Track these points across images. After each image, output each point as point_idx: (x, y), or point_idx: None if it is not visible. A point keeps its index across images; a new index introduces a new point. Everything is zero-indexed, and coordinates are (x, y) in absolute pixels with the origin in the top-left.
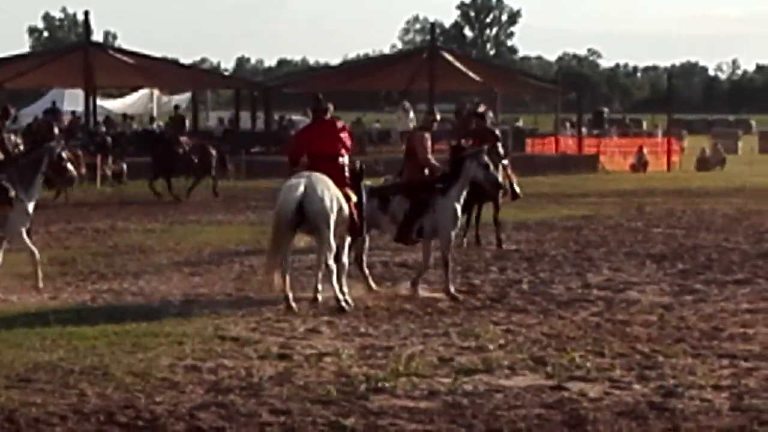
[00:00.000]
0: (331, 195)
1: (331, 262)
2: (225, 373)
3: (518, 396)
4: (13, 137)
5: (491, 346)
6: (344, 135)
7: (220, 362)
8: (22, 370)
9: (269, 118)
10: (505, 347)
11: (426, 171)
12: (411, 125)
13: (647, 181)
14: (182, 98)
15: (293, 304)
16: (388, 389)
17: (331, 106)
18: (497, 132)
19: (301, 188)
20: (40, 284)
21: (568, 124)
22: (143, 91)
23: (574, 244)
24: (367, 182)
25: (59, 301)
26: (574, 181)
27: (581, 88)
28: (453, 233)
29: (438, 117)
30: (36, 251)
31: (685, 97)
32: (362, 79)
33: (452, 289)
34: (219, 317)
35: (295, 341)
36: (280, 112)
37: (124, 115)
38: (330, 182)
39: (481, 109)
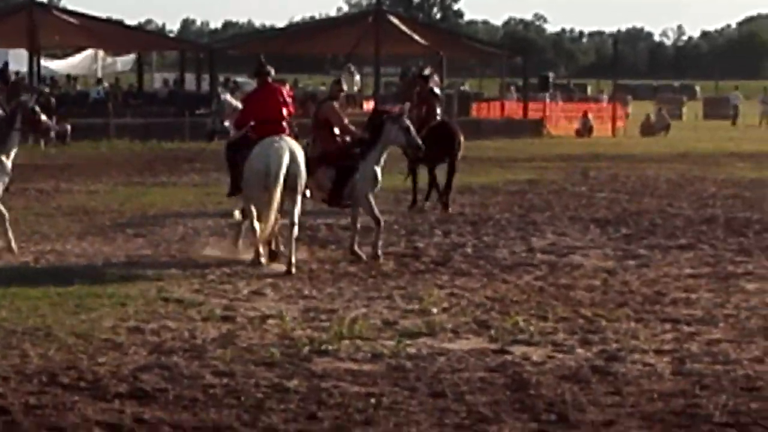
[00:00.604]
0: (302, 158)
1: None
2: (168, 335)
3: (461, 359)
4: None
5: (435, 310)
6: (288, 99)
7: (164, 324)
8: None
9: (214, 80)
10: (449, 311)
11: (340, 138)
12: (356, 88)
13: (592, 146)
14: (127, 59)
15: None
16: (332, 352)
17: (272, 70)
18: (439, 95)
19: (287, 151)
20: (14, 245)
21: (513, 89)
22: (88, 52)
23: (519, 208)
24: None
25: (2, 261)
26: (519, 145)
27: (527, 52)
28: (371, 195)
29: (345, 87)
30: (5, 212)
31: (630, 63)
32: (308, 41)
33: (380, 252)
34: (162, 279)
35: (239, 303)
36: (225, 74)
37: (68, 76)
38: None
39: (427, 71)
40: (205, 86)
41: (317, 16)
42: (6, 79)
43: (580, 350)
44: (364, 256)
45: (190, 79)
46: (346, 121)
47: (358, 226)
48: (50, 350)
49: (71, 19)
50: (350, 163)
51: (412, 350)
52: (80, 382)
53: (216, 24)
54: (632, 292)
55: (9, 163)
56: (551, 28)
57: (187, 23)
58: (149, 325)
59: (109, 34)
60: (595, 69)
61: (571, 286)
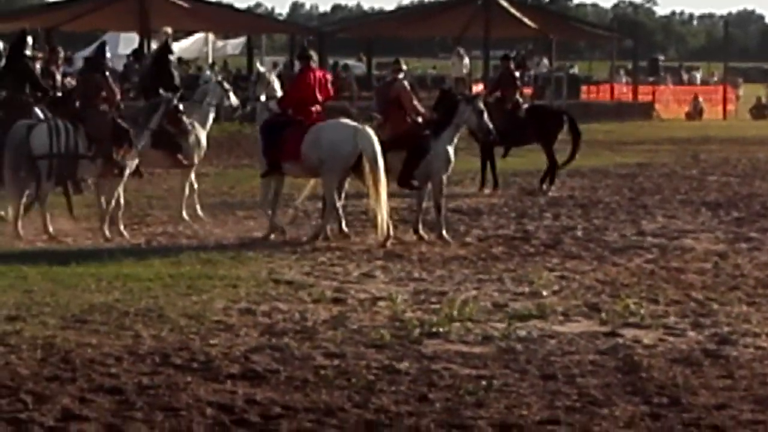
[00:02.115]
0: None
1: None
2: (279, 317)
3: (572, 342)
4: (68, 79)
5: (545, 293)
6: (326, 83)
7: (275, 305)
8: (77, 311)
9: (323, 63)
10: (559, 293)
11: (410, 119)
12: (465, 71)
13: (702, 129)
14: (237, 43)
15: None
16: (442, 334)
17: (314, 54)
18: (518, 79)
19: (358, 133)
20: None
21: (622, 72)
22: (198, 36)
23: (629, 191)
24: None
25: (114, 243)
26: (629, 128)
27: (636, 35)
28: (444, 177)
29: (403, 67)
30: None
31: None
32: (417, 24)
33: (444, 233)
34: (273, 261)
35: (349, 285)
36: (334, 57)
37: (179, 60)
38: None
39: (512, 54)
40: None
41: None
42: (99, 63)
43: (691, 333)
44: (427, 237)
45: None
46: (416, 101)
47: (423, 206)
48: (163, 331)
49: (182, 3)
50: (421, 144)
51: (522, 333)
52: (192, 363)
53: (325, 7)
54: (744, 275)
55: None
56: (661, 10)
57: (296, 6)
58: (260, 306)
59: (219, 17)
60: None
61: (682, 269)
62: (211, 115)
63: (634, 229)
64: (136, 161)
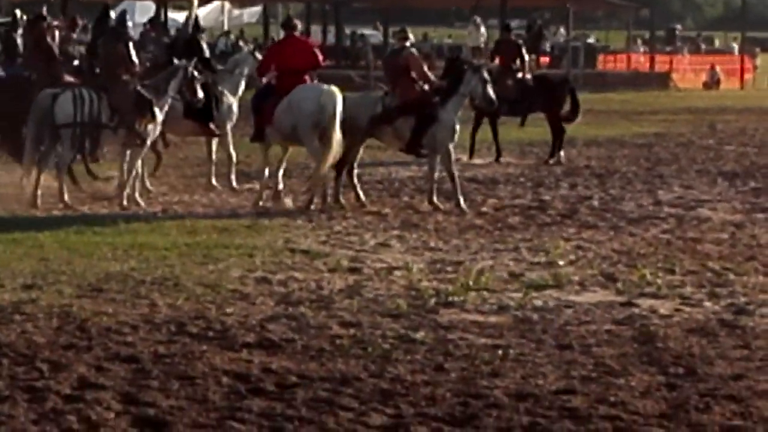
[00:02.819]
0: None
1: None
2: (295, 286)
3: (588, 312)
4: (82, 49)
5: (561, 262)
6: (315, 50)
7: (291, 275)
8: (93, 279)
9: (340, 32)
10: (576, 263)
11: (418, 87)
12: (482, 41)
13: (720, 98)
14: (253, 12)
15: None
16: (458, 303)
17: (299, 23)
18: (522, 48)
19: (339, 96)
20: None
21: (639, 41)
22: (214, 4)
23: (645, 161)
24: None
25: (130, 212)
26: (646, 98)
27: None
28: (451, 146)
29: (410, 36)
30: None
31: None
32: None
33: (462, 202)
34: (289, 230)
35: (365, 255)
36: (350, 27)
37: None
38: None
39: (513, 24)
40: (331, 38)
41: None
42: (122, 33)
43: (707, 303)
44: (442, 207)
45: (315, 31)
46: (425, 68)
47: (436, 175)
48: (179, 300)
49: None
50: (430, 111)
51: (538, 302)
52: (208, 332)
53: None
54: (760, 245)
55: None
56: None
57: None
58: (276, 275)
59: None
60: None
61: (699, 239)
62: (242, 85)
63: (650, 199)
64: (159, 130)
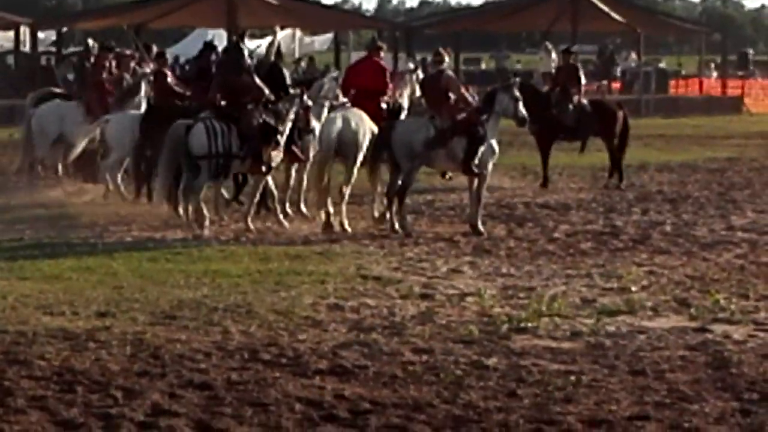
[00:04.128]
0: (365, 129)
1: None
2: (367, 312)
3: (661, 337)
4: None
5: (634, 288)
6: (387, 74)
7: (363, 301)
8: (167, 307)
9: (411, 59)
10: (648, 288)
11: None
12: (553, 66)
13: None
14: (324, 39)
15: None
16: (531, 329)
17: (384, 46)
18: (580, 72)
19: (339, 121)
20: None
21: (711, 66)
22: (286, 32)
23: (718, 186)
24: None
25: (203, 239)
26: (718, 122)
27: (725, 29)
28: (490, 166)
29: (446, 58)
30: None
31: None
32: (504, 19)
33: (480, 225)
34: (361, 257)
35: (438, 281)
36: (421, 53)
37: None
38: (364, 116)
39: (573, 48)
40: (402, 65)
41: None
42: (239, 63)
43: None
44: (485, 233)
45: (387, 58)
46: (464, 90)
47: (483, 199)
48: (251, 327)
49: (270, 0)
50: (480, 131)
51: (611, 328)
52: (281, 359)
53: (412, 3)
54: None
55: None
56: (750, 3)
57: (383, 2)
58: (348, 302)
59: (306, 13)
60: None
61: None
62: (325, 111)
63: (723, 224)
64: (280, 157)
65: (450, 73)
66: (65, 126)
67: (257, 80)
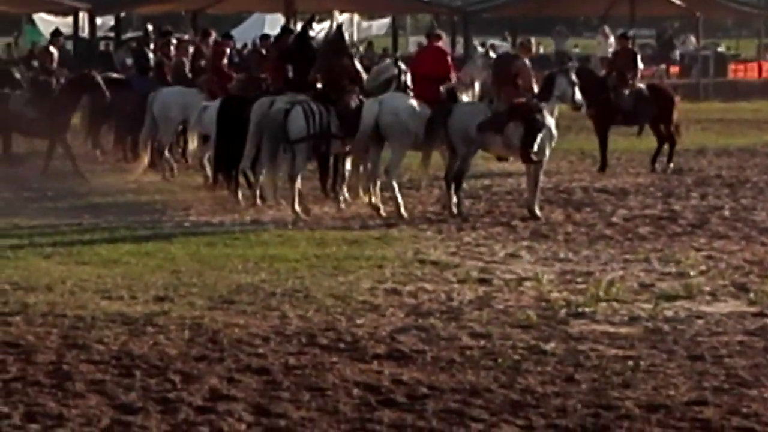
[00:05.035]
0: (409, 111)
1: (393, 173)
2: (425, 297)
3: (720, 323)
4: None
5: (692, 273)
6: (448, 60)
7: (420, 286)
8: (225, 291)
9: (469, 43)
10: (707, 273)
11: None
12: (610, 51)
13: None
14: (382, 23)
15: (383, 213)
16: (588, 314)
17: (443, 34)
18: (637, 56)
19: (377, 105)
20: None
21: None
22: (344, 16)
23: None
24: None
25: (260, 224)
26: None
27: None
28: (548, 152)
29: (538, 49)
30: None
31: None
32: (562, 4)
33: (537, 209)
34: (419, 241)
35: (495, 266)
36: (479, 38)
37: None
38: (410, 99)
39: (631, 33)
40: (459, 49)
41: None
42: (341, 46)
43: None
44: (543, 217)
45: (445, 42)
46: (533, 81)
47: (540, 184)
48: (309, 312)
49: None
50: (538, 117)
51: (669, 313)
52: (339, 344)
53: None
54: None
55: None
56: None
57: None
58: (406, 287)
59: None
60: None
61: None
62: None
63: None
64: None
65: (527, 60)
66: (188, 112)
67: (357, 64)
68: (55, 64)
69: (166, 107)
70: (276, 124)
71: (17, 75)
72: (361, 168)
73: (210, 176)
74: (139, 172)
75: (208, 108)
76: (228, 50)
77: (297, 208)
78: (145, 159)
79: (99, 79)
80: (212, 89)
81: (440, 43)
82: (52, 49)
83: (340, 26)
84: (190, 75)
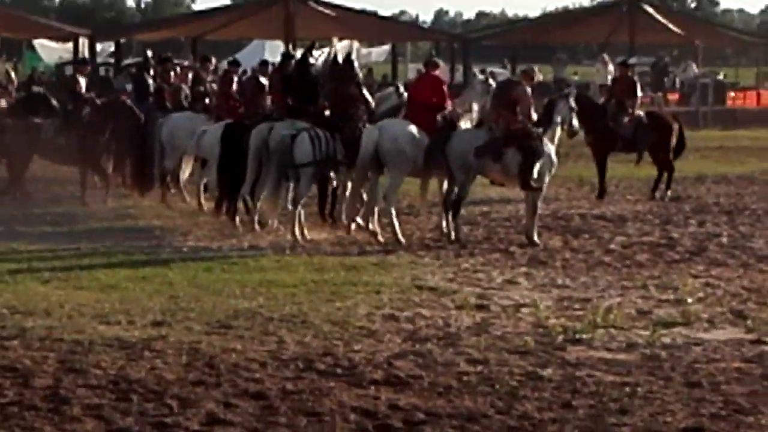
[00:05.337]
0: (408, 137)
1: (390, 199)
2: (422, 323)
3: (717, 349)
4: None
5: (690, 300)
6: (444, 89)
7: (418, 312)
8: (222, 316)
9: (468, 71)
10: (704, 300)
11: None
12: (609, 78)
13: None
14: (381, 51)
15: (380, 239)
16: (586, 341)
17: (441, 62)
18: (637, 84)
19: (377, 131)
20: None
21: None
22: (343, 43)
23: None
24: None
25: (258, 249)
26: None
27: None
28: (547, 179)
29: (539, 77)
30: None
31: None
32: (561, 31)
33: (535, 236)
34: (416, 267)
35: (493, 292)
36: (479, 65)
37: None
38: (410, 126)
39: (632, 60)
40: (459, 77)
41: (570, 6)
42: (350, 74)
43: None
44: (541, 244)
45: (443, 69)
46: (533, 109)
47: (539, 210)
48: (306, 337)
49: (327, 11)
50: (535, 144)
51: (667, 340)
52: (336, 369)
53: (469, 14)
54: None
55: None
56: None
57: (440, 14)
58: (404, 313)
59: (364, 25)
60: None
61: None
62: None
63: None
64: None
65: (527, 87)
66: None
67: (365, 92)
68: (83, 91)
69: (174, 133)
70: (282, 150)
71: (54, 102)
72: (361, 194)
73: (200, 202)
74: (165, 199)
75: (207, 132)
76: (235, 77)
77: (297, 232)
78: (161, 185)
79: (130, 103)
80: (221, 115)
81: (437, 72)
82: (78, 76)
83: (349, 54)
84: (188, 101)
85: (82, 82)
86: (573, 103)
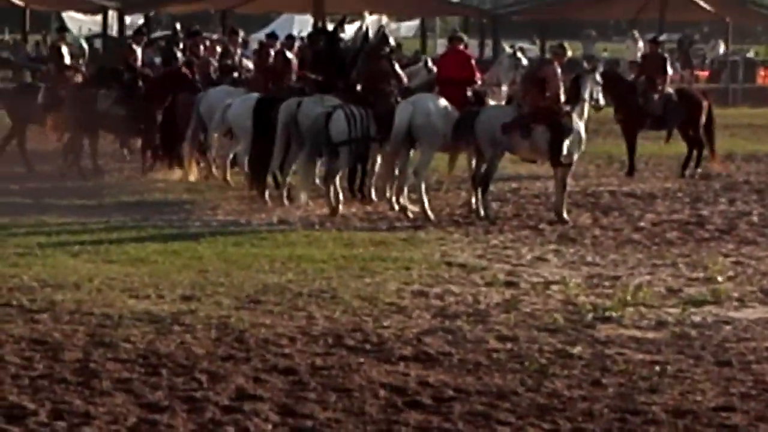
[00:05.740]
0: (441, 113)
1: (421, 175)
2: (452, 299)
3: (747, 328)
4: (245, 62)
5: (720, 278)
6: (472, 63)
7: (447, 288)
8: (251, 291)
9: (497, 46)
10: (735, 279)
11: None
12: (639, 55)
13: None
14: (411, 25)
15: (410, 214)
16: (615, 319)
17: (464, 37)
18: (667, 61)
19: (410, 107)
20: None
21: None
22: (372, 18)
23: None
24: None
25: (287, 224)
26: None
27: None
28: (576, 155)
29: (569, 53)
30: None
31: None
32: (591, 7)
33: (564, 213)
34: (446, 243)
35: (522, 269)
36: (508, 41)
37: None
38: (442, 101)
39: (663, 37)
40: (488, 52)
41: None
42: (382, 50)
43: None
44: (570, 221)
45: (473, 45)
46: (561, 88)
47: (568, 187)
48: (336, 312)
49: None
50: (564, 121)
51: (696, 318)
52: (365, 345)
53: None
54: None
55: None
56: None
57: None
58: (433, 289)
59: (393, 0)
60: None
61: None
62: None
63: None
64: None
65: (557, 68)
66: None
67: (397, 67)
68: (138, 62)
69: (213, 107)
70: (318, 127)
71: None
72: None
73: (226, 176)
74: (194, 172)
75: (233, 105)
76: (272, 51)
77: (333, 202)
78: (192, 159)
79: (190, 74)
80: (257, 89)
81: (462, 47)
82: (135, 47)
83: (383, 29)
84: (216, 74)
85: (138, 52)
86: (599, 78)
